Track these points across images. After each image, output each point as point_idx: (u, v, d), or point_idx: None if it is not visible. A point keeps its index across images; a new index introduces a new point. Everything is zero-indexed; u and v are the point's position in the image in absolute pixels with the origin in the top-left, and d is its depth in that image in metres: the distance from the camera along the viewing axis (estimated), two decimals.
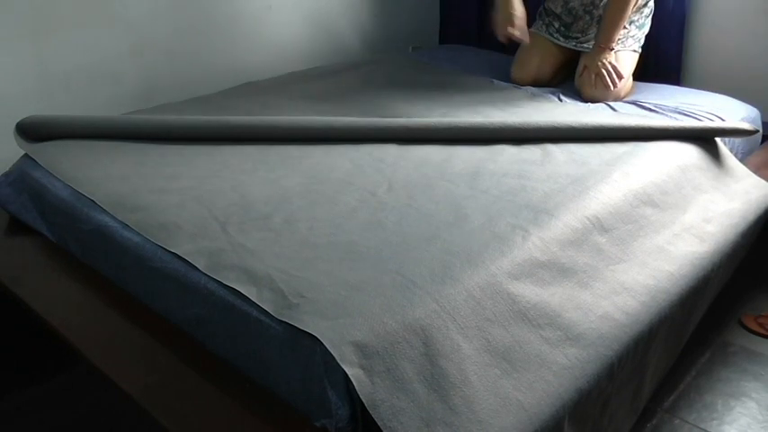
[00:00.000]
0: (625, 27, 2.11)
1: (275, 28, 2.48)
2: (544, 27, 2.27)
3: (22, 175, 1.64)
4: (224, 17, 2.32)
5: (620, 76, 2.02)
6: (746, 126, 1.82)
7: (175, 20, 2.20)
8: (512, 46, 2.26)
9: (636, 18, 2.14)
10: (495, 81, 2.22)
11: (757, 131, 1.87)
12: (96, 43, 2.04)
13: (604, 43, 2.05)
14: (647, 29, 2.17)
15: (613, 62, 2.03)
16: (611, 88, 2.01)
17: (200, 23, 2.26)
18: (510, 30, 2.08)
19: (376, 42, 2.85)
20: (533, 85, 2.18)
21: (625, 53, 2.10)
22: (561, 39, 2.23)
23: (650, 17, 2.18)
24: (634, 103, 2.02)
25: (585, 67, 2.06)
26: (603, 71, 2.01)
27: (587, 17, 2.17)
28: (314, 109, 1.91)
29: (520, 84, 2.19)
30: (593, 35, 2.14)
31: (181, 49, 2.24)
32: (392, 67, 2.39)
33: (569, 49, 2.23)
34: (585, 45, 2.18)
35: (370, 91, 2.12)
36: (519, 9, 2.10)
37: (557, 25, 2.25)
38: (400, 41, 2.93)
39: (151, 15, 2.13)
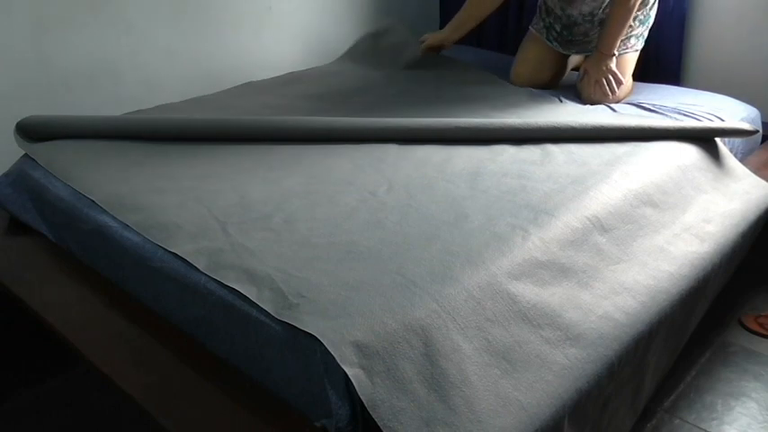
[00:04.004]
0: (630, 26, 2.09)
1: (275, 28, 2.48)
2: (545, 30, 2.22)
3: (22, 175, 1.64)
4: (224, 17, 2.32)
5: (619, 83, 2.01)
6: (746, 126, 1.82)
7: (175, 20, 2.20)
8: (512, 46, 2.26)
9: (638, 13, 2.11)
10: (497, 80, 2.21)
11: (757, 132, 1.87)
12: (96, 43, 2.04)
13: (606, 50, 2.02)
14: (650, 22, 2.13)
15: (614, 69, 2.01)
16: (610, 96, 2.00)
17: (201, 23, 2.26)
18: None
19: None
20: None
21: (627, 55, 2.09)
22: (560, 47, 2.20)
23: (654, 8, 2.11)
24: (634, 103, 2.02)
25: (586, 71, 2.05)
26: (603, 79, 2.00)
27: (587, 24, 2.13)
28: (314, 108, 1.91)
29: (519, 86, 2.18)
30: (594, 37, 2.13)
31: (181, 50, 2.24)
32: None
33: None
34: (588, 47, 2.16)
35: (370, 90, 2.12)
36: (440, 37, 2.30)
37: (558, 28, 2.19)
38: None
39: (151, 15, 2.13)
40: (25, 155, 1.68)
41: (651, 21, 2.14)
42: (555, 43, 2.21)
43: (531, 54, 2.23)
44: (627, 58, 2.09)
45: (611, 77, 2.00)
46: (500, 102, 2.00)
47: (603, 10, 2.07)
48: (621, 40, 2.06)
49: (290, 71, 2.38)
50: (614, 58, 2.03)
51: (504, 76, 2.26)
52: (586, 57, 2.15)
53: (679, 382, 1.65)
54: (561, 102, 2.04)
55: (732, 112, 1.96)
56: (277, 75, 2.33)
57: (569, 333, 1.17)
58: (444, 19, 3.02)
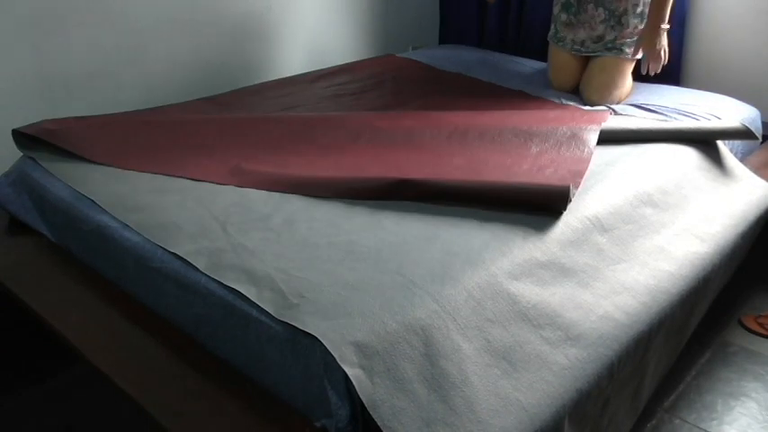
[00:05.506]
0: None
1: (275, 28, 2.48)
2: (570, 43, 2.16)
3: (22, 175, 1.64)
4: (224, 18, 2.32)
5: (666, 57, 1.97)
6: (747, 128, 1.81)
7: (175, 21, 2.20)
8: (512, 45, 2.25)
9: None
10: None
11: (757, 139, 1.85)
12: (96, 44, 2.03)
13: (660, 21, 1.95)
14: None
15: (665, 45, 1.97)
16: (659, 69, 1.97)
17: (200, 24, 2.26)
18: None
19: (376, 42, 2.85)
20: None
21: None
22: (582, 50, 2.15)
23: None
24: (634, 103, 2.01)
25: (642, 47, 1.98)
26: (662, 55, 1.95)
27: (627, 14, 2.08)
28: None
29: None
30: (628, 22, 2.05)
31: (180, 51, 2.24)
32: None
33: (584, 56, 2.19)
34: (607, 45, 2.12)
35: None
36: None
37: (581, 38, 2.14)
38: (400, 41, 2.93)
39: (151, 16, 2.13)
40: (25, 155, 1.68)
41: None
42: (577, 47, 2.16)
43: (555, 60, 2.21)
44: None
45: (663, 55, 1.96)
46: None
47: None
48: (631, 44, 2.04)
49: (290, 71, 2.38)
50: (665, 32, 1.97)
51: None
52: (640, 38, 2.05)
53: (679, 382, 1.65)
54: (562, 103, 2.04)
55: (732, 113, 1.96)
56: (277, 75, 2.33)
57: (569, 333, 1.17)
58: (444, 18, 3.02)
